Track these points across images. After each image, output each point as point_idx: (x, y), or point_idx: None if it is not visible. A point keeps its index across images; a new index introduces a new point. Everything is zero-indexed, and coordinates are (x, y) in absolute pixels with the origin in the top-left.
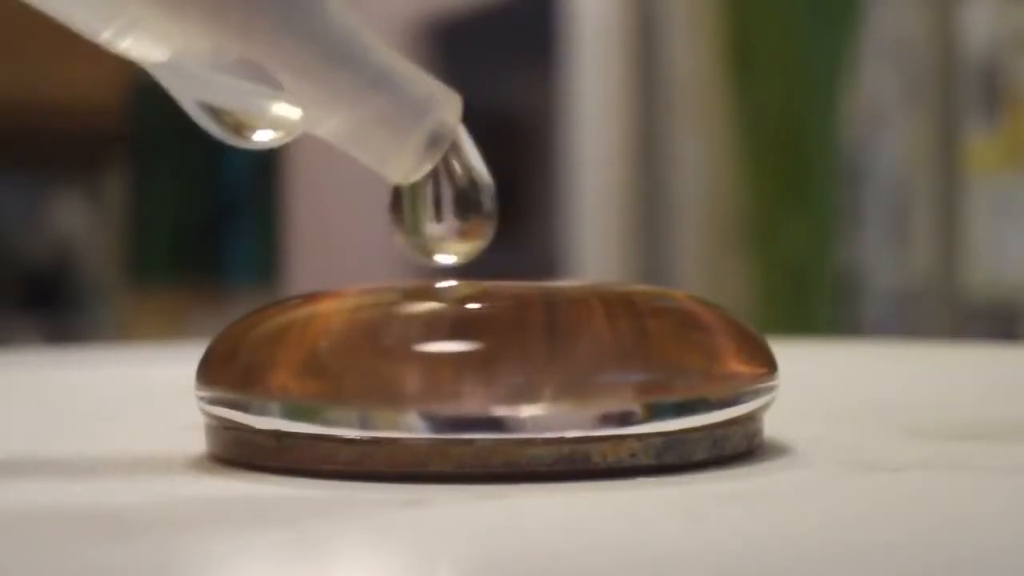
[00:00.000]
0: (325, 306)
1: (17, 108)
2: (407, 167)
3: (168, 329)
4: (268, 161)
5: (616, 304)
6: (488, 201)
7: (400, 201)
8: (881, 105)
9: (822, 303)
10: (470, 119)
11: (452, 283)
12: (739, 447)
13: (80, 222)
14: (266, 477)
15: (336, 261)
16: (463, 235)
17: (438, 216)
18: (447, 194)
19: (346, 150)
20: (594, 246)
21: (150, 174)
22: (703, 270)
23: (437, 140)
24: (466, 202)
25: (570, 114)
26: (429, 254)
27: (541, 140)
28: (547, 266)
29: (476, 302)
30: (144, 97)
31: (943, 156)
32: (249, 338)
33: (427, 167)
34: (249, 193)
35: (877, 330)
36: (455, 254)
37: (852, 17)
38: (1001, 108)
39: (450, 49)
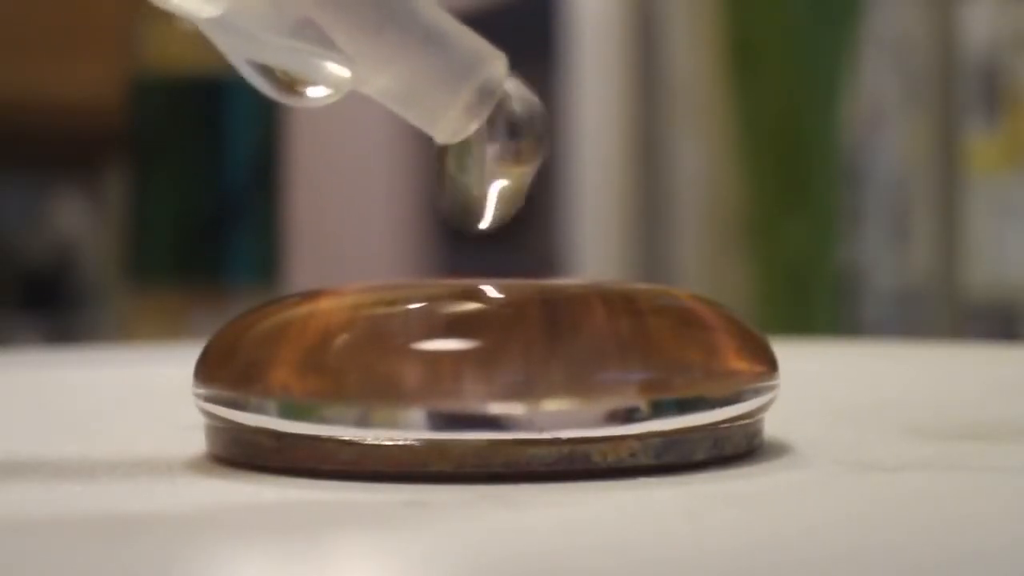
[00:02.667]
0: (324, 304)
1: (17, 108)
2: (456, 125)
3: (168, 329)
4: (268, 161)
5: (617, 302)
6: (540, 123)
7: (445, 159)
8: (881, 105)
9: (822, 303)
10: None
11: (452, 281)
12: (739, 447)
13: (80, 222)
14: (266, 477)
15: (336, 261)
16: (517, 156)
17: (492, 137)
18: (500, 119)
19: (395, 109)
20: (594, 247)
21: (150, 174)
22: (703, 270)
23: (485, 97)
24: (519, 124)
25: (570, 114)
26: (481, 185)
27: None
28: (547, 265)
29: (477, 300)
30: (144, 97)
31: (943, 156)
32: (248, 336)
33: (475, 125)
34: (249, 193)
35: (877, 330)
36: (509, 178)
37: (852, 17)
38: (1001, 108)
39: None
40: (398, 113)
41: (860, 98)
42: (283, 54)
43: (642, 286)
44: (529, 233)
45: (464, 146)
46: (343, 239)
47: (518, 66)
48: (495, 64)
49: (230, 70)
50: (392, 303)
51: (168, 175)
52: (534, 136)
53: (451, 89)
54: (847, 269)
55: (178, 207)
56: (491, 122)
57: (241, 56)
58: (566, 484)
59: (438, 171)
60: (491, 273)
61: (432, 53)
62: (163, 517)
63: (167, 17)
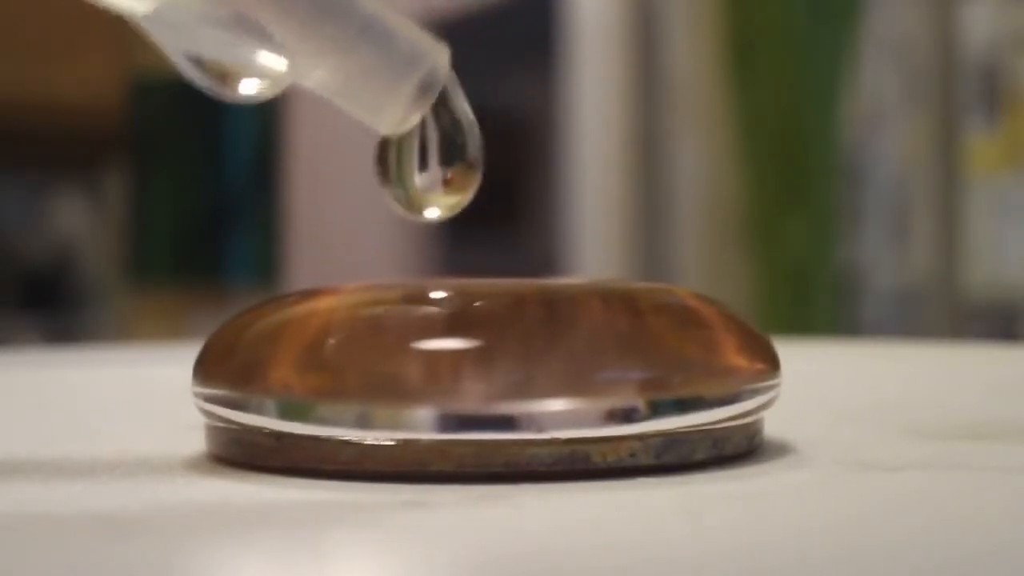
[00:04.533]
0: (323, 302)
1: (17, 108)
2: (397, 118)
3: (168, 329)
4: (268, 161)
5: (618, 300)
6: (473, 147)
7: (387, 153)
8: (881, 105)
9: (822, 303)
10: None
11: (452, 281)
12: (739, 447)
13: (80, 222)
14: (266, 477)
15: (336, 262)
16: (448, 185)
17: (423, 164)
18: (432, 141)
19: (335, 102)
20: (593, 247)
21: (150, 174)
22: (703, 269)
23: (427, 90)
24: (450, 148)
25: (570, 113)
26: (415, 208)
27: (541, 139)
28: (547, 265)
29: (477, 299)
30: (144, 97)
31: (943, 156)
32: (247, 335)
33: (416, 118)
34: (249, 193)
35: (877, 330)
36: (440, 207)
37: (852, 17)
38: (1001, 108)
39: (450, 49)
40: (339, 105)
41: (860, 98)
42: (217, 45)
43: (642, 285)
44: (529, 232)
45: (403, 156)
46: (343, 239)
47: (518, 66)
48: (438, 56)
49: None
50: (392, 302)
51: (168, 175)
52: (466, 163)
53: (392, 82)
54: (847, 269)
55: (178, 207)
56: (421, 149)
57: (177, 49)
58: (566, 484)
59: (379, 172)
60: (491, 272)
61: (372, 45)
62: (163, 517)
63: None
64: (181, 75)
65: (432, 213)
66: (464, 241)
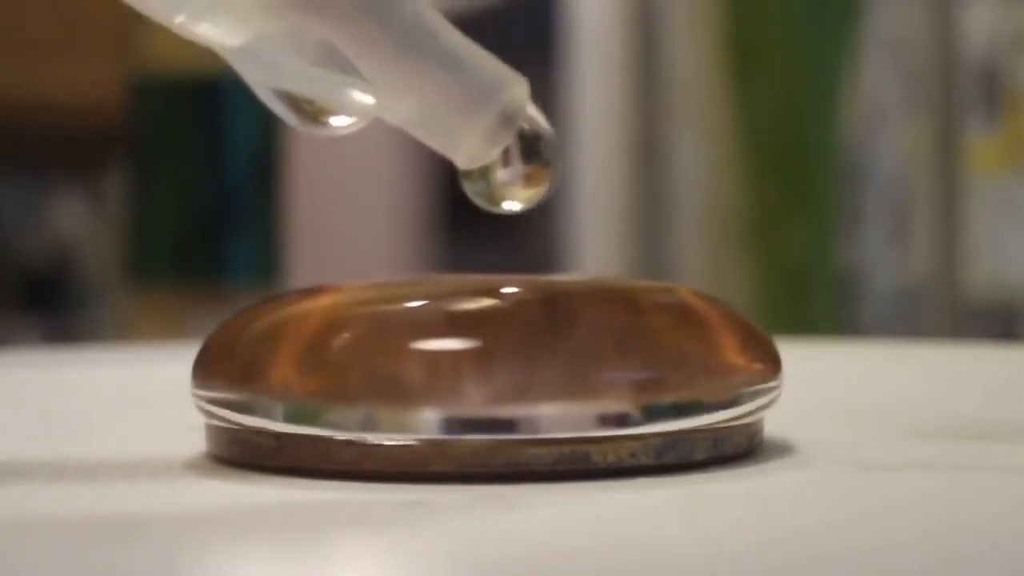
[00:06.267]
0: (323, 301)
1: (17, 108)
2: (476, 150)
3: (168, 329)
4: (268, 161)
5: (620, 299)
6: (550, 150)
7: None
8: (881, 105)
9: (822, 303)
10: None
11: (453, 280)
12: (740, 447)
13: (80, 222)
14: (266, 477)
15: (336, 261)
16: (527, 180)
17: (505, 162)
18: (514, 143)
19: (416, 134)
20: (593, 247)
21: (150, 174)
22: (703, 270)
23: (506, 122)
24: (530, 149)
25: (570, 113)
26: (495, 201)
27: None
28: (547, 264)
29: (478, 298)
30: (144, 97)
31: (943, 156)
32: (246, 334)
33: (496, 151)
34: (249, 193)
35: (877, 330)
36: (519, 200)
37: (852, 17)
38: (1001, 108)
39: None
40: (418, 138)
41: (860, 98)
42: (306, 82)
43: (644, 283)
44: (529, 231)
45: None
46: (343, 239)
47: (518, 66)
48: (516, 88)
49: (230, 70)
50: (392, 301)
51: (168, 175)
52: (544, 162)
53: (471, 114)
54: (847, 269)
55: (178, 207)
56: (504, 147)
57: (265, 85)
58: (566, 484)
59: (461, 170)
60: (492, 271)
61: (452, 78)
62: (163, 517)
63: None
64: (181, 75)
65: (511, 206)
66: (464, 239)
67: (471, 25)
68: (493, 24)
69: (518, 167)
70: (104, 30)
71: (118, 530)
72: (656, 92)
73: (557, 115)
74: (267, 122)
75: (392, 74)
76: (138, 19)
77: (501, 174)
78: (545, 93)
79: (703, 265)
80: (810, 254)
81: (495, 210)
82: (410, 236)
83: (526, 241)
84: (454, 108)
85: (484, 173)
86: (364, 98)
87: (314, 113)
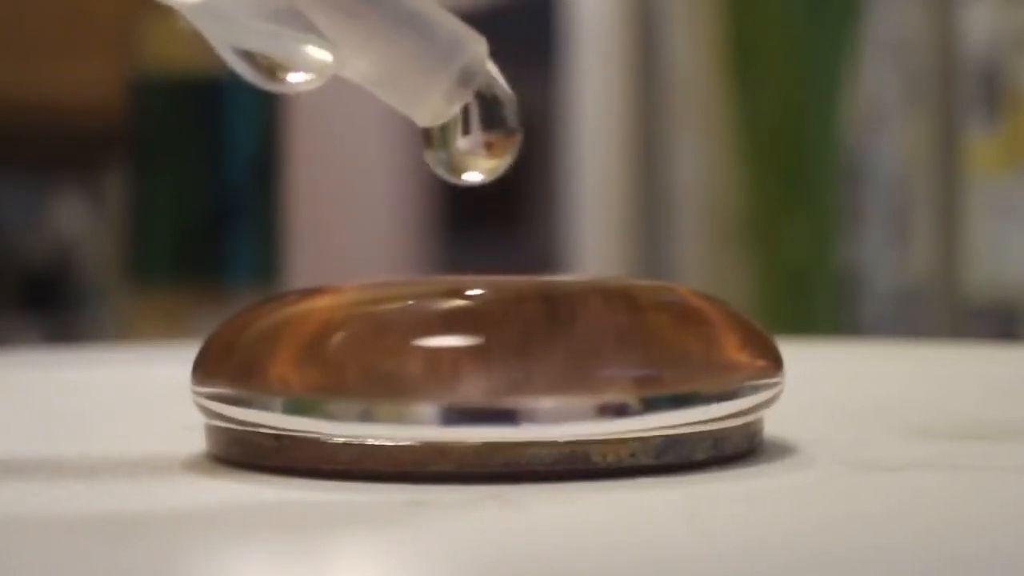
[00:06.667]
0: (323, 300)
1: (17, 108)
2: (437, 109)
3: (168, 329)
4: (268, 161)
5: (619, 298)
6: (512, 116)
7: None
8: (881, 105)
9: (822, 303)
10: None
11: (453, 278)
12: (739, 447)
13: (80, 222)
14: (266, 477)
15: (336, 261)
16: (489, 149)
17: (465, 129)
18: (473, 110)
19: (376, 92)
20: (593, 247)
21: (150, 174)
22: (703, 269)
23: (466, 80)
24: (491, 117)
25: (570, 113)
26: (456, 171)
27: (541, 139)
28: (546, 264)
29: (478, 297)
30: (144, 97)
31: (943, 156)
32: (246, 333)
33: (456, 108)
34: (249, 193)
35: (877, 330)
36: (481, 171)
37: (852, 17)
38: (1001, 108)
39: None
40: (379, 96)
41: (860, 98)
42: (265, 39)
43: (644, 282)
44: (529, 232)
45: (447, 121)
46: (343, 239)
47: (518, 66)
48: (476, 47)
49: (230, 70)
50: (392, 299)
51: (168, 175)
52: (506, 130)
53: (431, 72)
54: (847, 269)
55: (178, 207)
56: (464, 115)
57: (225, 42)
58: (566, 484)
59: (423, 136)
60: (492, 271)
61: (412, 36)
62: (163, 517)
63: (167, 16)
64: (181, 75)
65: (472, 176)
66: (464, 240)
67: (471, 25)
68: (493, 24)
69: (479, 135)
70: (104, 30)
71: (118, 530)
72: (656, 92)
73: (557, 115)
74: (267, 122)
75: (350, 31)
76: (138, 18)
77: (462, 142)
78: (545, 93)
79: (703, 265)
80: (810, 254)
81: (456, 181)
82: (410, 236)
83: (526, 241)
84: (414, 66)
85: (445, 142)
86: (322, 55)
87: (271, 69)
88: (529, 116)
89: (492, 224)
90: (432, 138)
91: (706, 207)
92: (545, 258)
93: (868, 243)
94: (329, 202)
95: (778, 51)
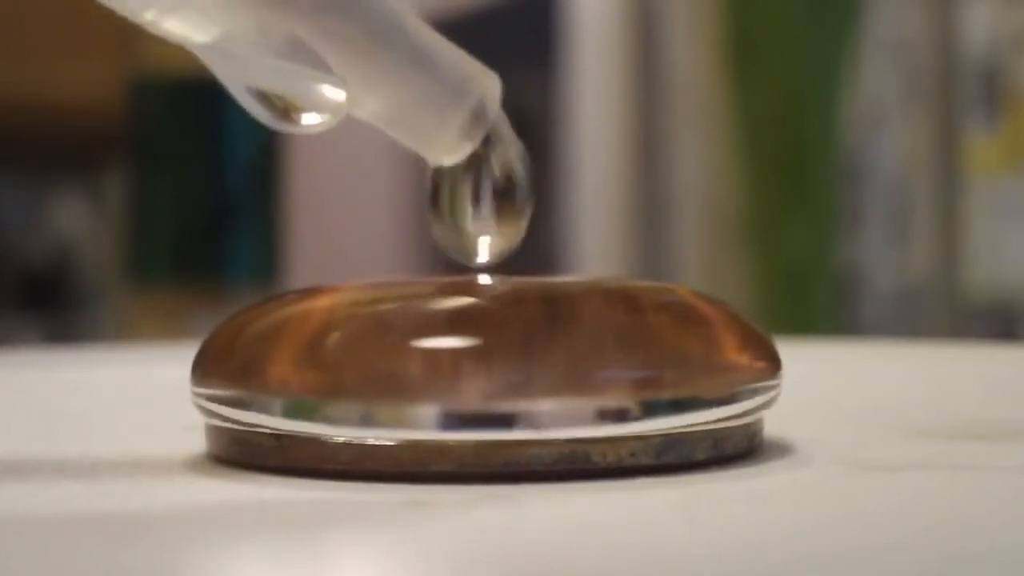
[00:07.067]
0: (323, 300)
1: (17, 108)
2: (448, 148)
3: (168, 329)
4: (268, 161)
5: (620, 299)
6: (521, 197)
7: (439, 195)
8: (881, 105)
9: (822, 303)
10: None
11: (452, 278)
12: (739, 447)
13: (80, 222)
14: (266, 477)
15: (336, 261)
16: (497, 229)
17: (474, 205)
18: (484, 187)
19: (389, 131)
20: (593, 247)
21: (150, 174)
22: (703, 270)
23: (478, 119)
24: (500, 194)
25: (570, 113)
26: (465, 251)
27: (541, 139)
28: (546, 264)
29: (478, 297)
30: (144, 97)
31: (943, 156)
32: (246, 333)
33: (469, 147)
34: (249, 193)
35: (877, 330)
36: (489, 250)
37: (852, 17)
38: (1001, 108)
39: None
40: (392, 135)
41: (860, 98)
42: (278, 77)
43: (644, 283)
44: (529, 232)
45: (455, 190)
46: (343, 239)
47: (518, 66)
48: (488, 85)
49: None
50: (392, 299)
51: (168, 175)
52: (517, 199)
53: (444, 111)
54: (847, 269)
55: (178, 207)
56: (474, 182)
57: (237, 82)
58: (566, 484)
59: (431, 208)
60: (492, 271)
61: (424, 74)
62: (163, 517)
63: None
64: (181, 75)
65: (481, 257)
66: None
67: (471, 25)
68: (493, 24)
69: (490, 206)
70: (104, 30)
71: (118, 530)
72: (656, 92)
73: (557, 115)
74: None
75: (362, 70)
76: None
77: (472, 211)
78: (545, 93)
79: (703, 265)
80: (810, 254)
81: (465, 261)
82: (410, 236)
83: (526, 241)
84: (426, 104)
85: (456, 221)
86: (335, 94)
87: (286, 110)
88: (529, 116)
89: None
90: (443, 217)
91: (706, 207)
92: (545, 257)
93: (868, 243)
94: (329, 202)
95: (778, 51)
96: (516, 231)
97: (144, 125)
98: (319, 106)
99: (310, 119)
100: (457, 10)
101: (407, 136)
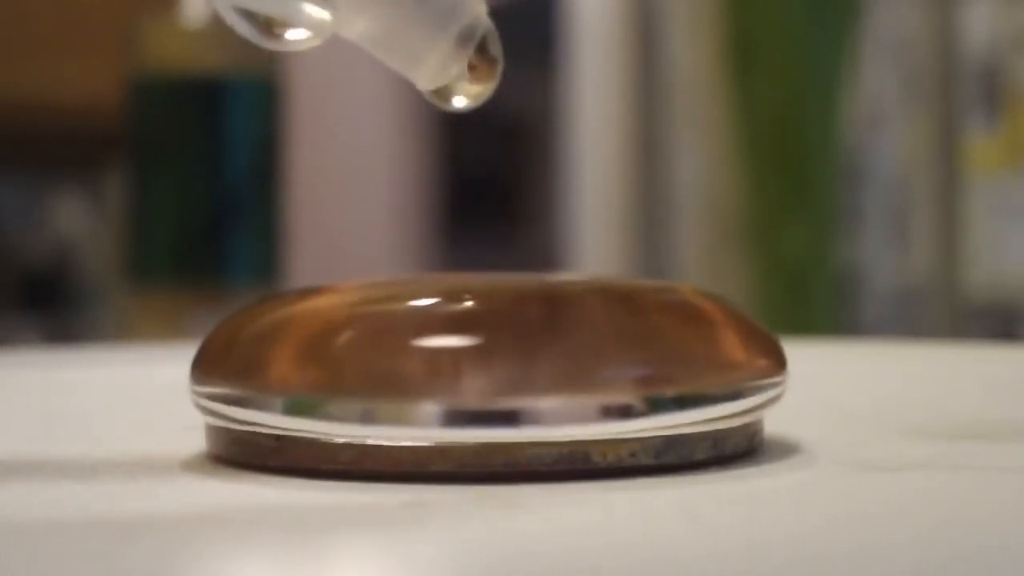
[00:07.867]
0: (323, 300)
1: (17, 108)
2: (436, 70)
3: (168, 329)
4: (268, 161)
5: (620, 298)
6: (494, 45)
7: None
8: (881, 105)
9: (822, 303)
10: (472, 118)
11: (453, 278)
12: (740, 446)
13: (80, 222)
14: (266, 477)
15: (336, 261)
16: (473, 73)
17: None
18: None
19: (376, 54)
20: (593, 247)
21: (150, 174)
22: (703, 269)
23: (466, 41)
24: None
25: (570, 113)
26: (444, 96)
27: (542, 138)
28: (546, 264)
29: (478, 297)
30: (144, 97)
31: (943, 156)
32: (246, 332)
33: (456, 70)
34: (249, 193)
35: (877, 330)
36: (467, 95)
37: (852, 17)
38: (1001, 108)
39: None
40: (379, 59)
41: (860, 98)
42: None
43: (645, 282)
44: (529, 231)
45: None
46: (343, 239)
47: (518, 66)
48: (477, 8)
49: (230, 70)
50: (392, 299)
51: (168, 175)
52: (489, 58)
53: (431, 33)
54: (847, 269)
55: (178, 207)
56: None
57: (226, 2)
58: (566, 484)
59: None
60: (492, 271)
61: None
62: (163, 517)
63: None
64: (181, 75)
65: (459, 102)
66: (465, 239)
67: None
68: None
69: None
70: (104, 30)
71: (118, 530)
72: (656, 92)
73: (557, 115)
74: (267, 122)
75: None
76: (138, 18)
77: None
78: (545, 93)
79: (703, 265)
80: (810, 254)
81: (445, 106)
82: (410, 236)
83: (526, 241)
84: (415, 26)
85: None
86: (321, 13)
87: (270, 26)
88: (529, 116)
89: (492, 224)
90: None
91: (706, 207)
92: (545, 258)
93: (868, 243)
94: (329, 202)
95: (778, 51)
96: (490, 81)
97: (144, 125)
98: (305, 24)
99: (296, 35)
100: None
101: (395, 58)
